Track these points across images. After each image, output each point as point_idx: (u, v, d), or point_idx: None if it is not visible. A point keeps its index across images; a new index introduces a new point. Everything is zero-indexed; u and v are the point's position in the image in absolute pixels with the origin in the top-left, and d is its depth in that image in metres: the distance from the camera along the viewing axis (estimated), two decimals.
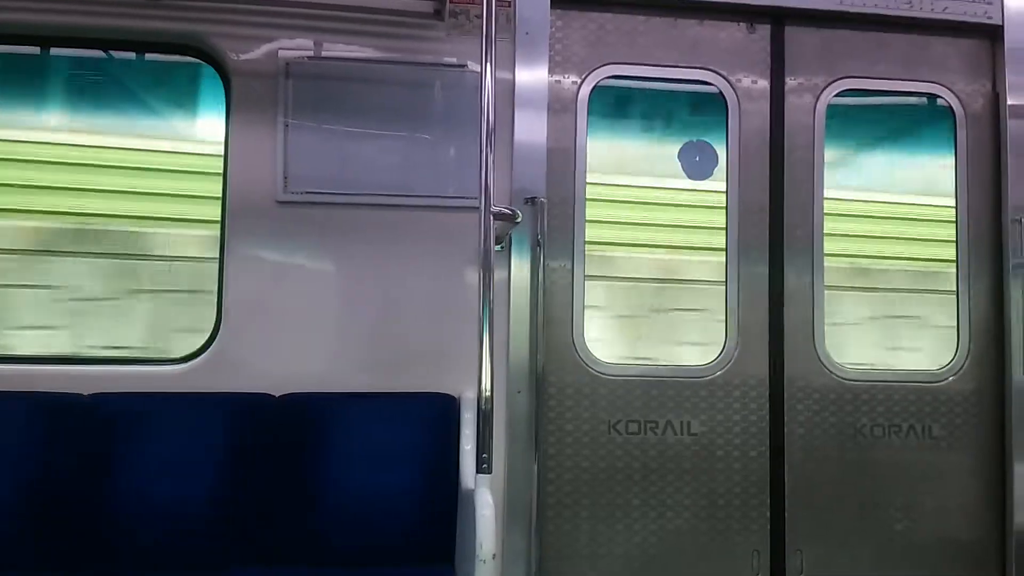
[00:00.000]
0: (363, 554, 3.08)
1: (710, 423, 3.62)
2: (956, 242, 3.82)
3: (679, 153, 3.79)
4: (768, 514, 3.61)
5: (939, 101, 3.90)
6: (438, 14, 3.53)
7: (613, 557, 3.53)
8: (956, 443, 3.72)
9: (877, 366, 3.82)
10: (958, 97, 3.88)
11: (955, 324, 3.79)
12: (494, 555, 2.69)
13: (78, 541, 3.04)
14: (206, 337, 3.41)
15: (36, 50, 3.64)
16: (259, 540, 3.11)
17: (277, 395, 3.29)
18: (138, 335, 3.76)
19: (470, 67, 3.52)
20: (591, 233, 3.66)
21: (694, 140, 3.80)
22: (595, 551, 3.52)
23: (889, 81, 3.88)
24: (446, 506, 3.16)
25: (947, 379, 3.75)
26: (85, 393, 3.20)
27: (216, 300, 3.41)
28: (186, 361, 3.37)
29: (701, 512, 3.58)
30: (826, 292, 3.73)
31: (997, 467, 3.72)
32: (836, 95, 3.83)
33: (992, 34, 3.87)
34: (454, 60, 3.55)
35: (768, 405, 3.66)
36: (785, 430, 3.65)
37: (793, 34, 3.82)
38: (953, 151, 3.87)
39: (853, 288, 4.12)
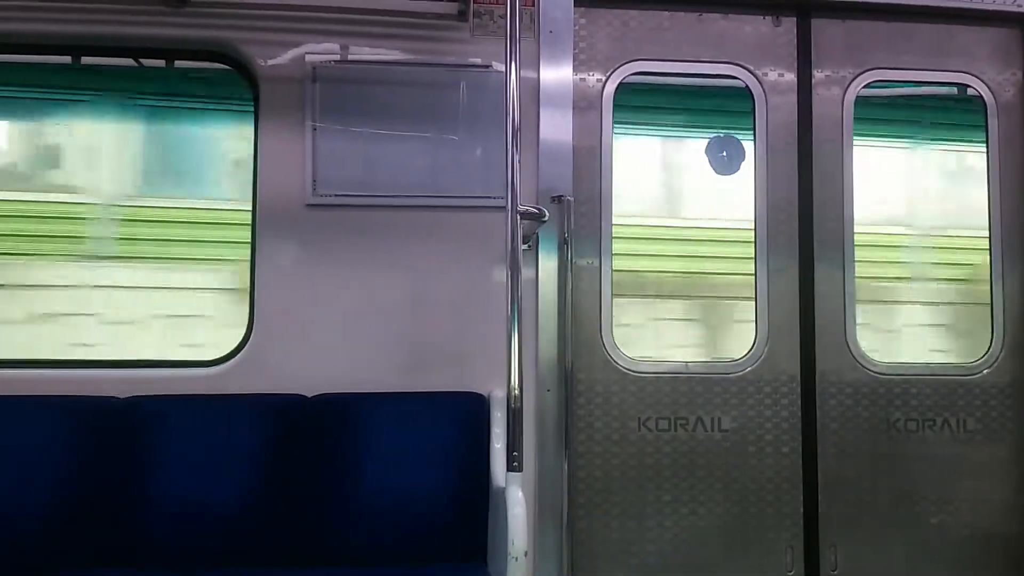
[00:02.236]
0: (396, 553, 3.11)
1: (741, 419, 3.60)
2: (989, 234, 3.77)
3: (706, 148, 3.78)
4: (801, 509, 3.59)
5: (969, 91, 3.85)
6: (462, 15, 3.54)
7: (645, 554, 3.53)
8: (991, 436, 3.68)
9: (910, 360, 3.78)
10: (988, 86, 3.83)
11: (989, 316, 3.74)
12: (526, 552, 2.70)
13: (115, 542, 3.09)
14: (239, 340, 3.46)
15: (67, 59, 3.70)
16: (293, 539, 3.14)
17: (309, 396, 3.32)
18: None
19: (495, 67, 3.53)
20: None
21: (721, 135, 3.78)
22: (627, 548, 3.52)
23: (917, 72, 3.84)
24: (478, 504, 3.17)
25: (981, 372, 3.71)
26: (120, 396, 3.26)
27: (248, 303, 3.45)
28: (219, 363, 3.42)
29: (733, 508, 3.57)
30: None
31: None
32: (864, 87, 3.79)
33: (1022, 22, 3.81)
34: (479, 60, 3.56)
35: (800, 400, 3.63)
36: (818, 425, 3.62)
37: (819, 26, 3.79)
38: (985, 141, 3.82)
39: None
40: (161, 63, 3.69)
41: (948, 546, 3.63)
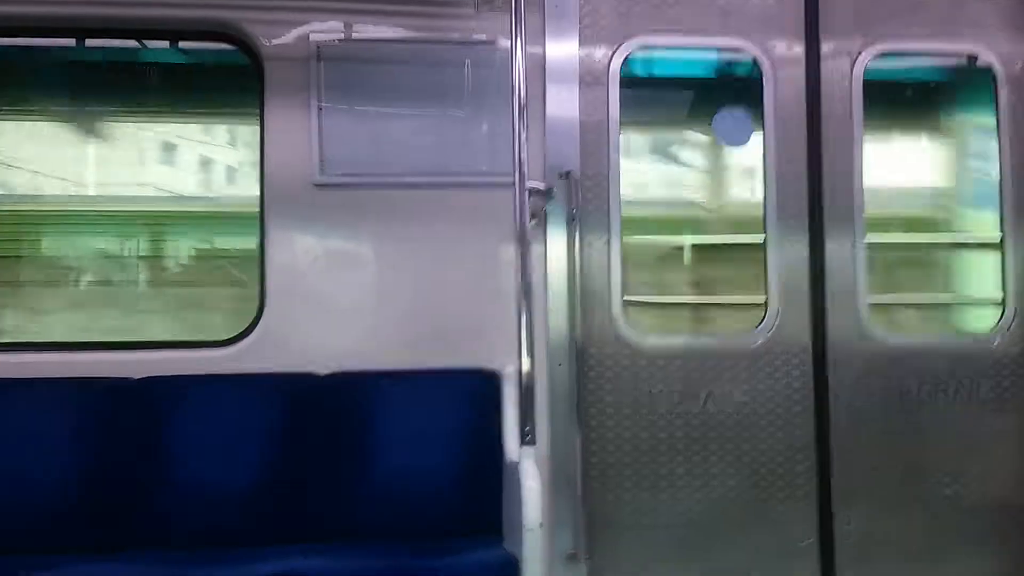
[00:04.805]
0: (412, 528, 3.12)
1: (753, 391, 3.60)
2: (1000, 202, 3.75)
3: (714, 122, 3.76)
4: (815, 480, 3.58)
5: (978, 62, 3.82)
6: None
7: (659, 526, 3.53)
8: (1005, 404, 3.66)
9: (922, 330, 3.77)
10: (998, 58, 3.80)
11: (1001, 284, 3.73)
12: (541, 524, 2.71)
13: (131, 522, 3.11)
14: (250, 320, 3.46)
15: (71, 42, 3.70)
16: (309, 517, 3.16)
17: (322, 374, 3.33)
18: None
19: (500, 43, 3.52)
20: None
21: (729, 109, 3.76)
22: (640, 521, 3.53)
23: (926, 43, 3.80)
24: (492, 479, 3.19)
25: (994, 340, 3.70)
26: (134, 377, 3.27)
27: (258, 283, 3.46)
28: (231, 343, 3.43)
29: (746, 480, 3.57)
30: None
31: None
32: (873, 58, 3.77)
33: None
34: (483, 37, 3.55)
35: (812, 371, 3.62)
36: (829, 396, 3.61)
37: None
38: (994, 113, 3.79)
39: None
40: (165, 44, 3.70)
41: (962, 515, 3.63)
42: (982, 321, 3.80)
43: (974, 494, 3.64)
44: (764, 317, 3.65)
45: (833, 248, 3.68)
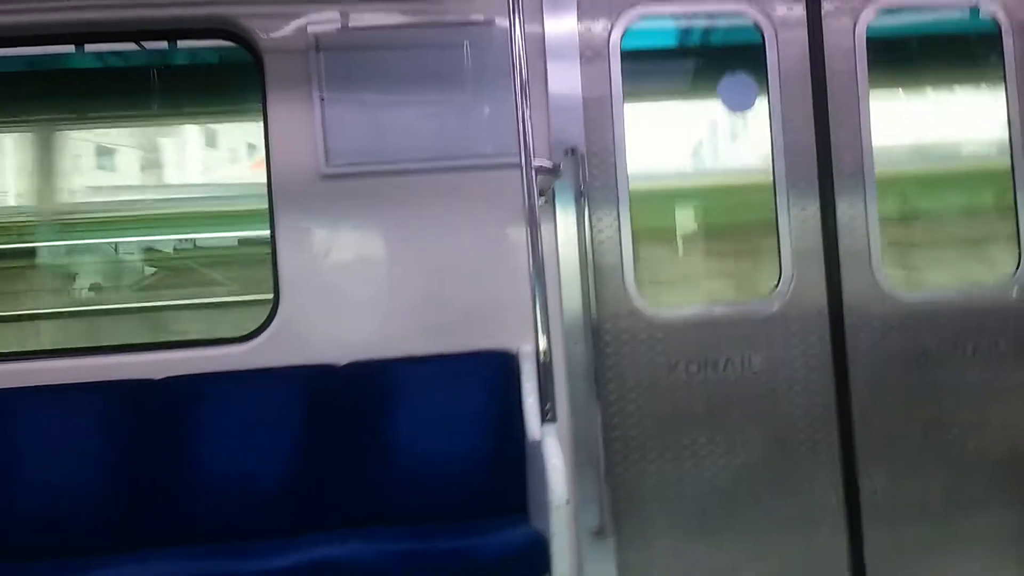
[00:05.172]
0: (438, 512, 3.15)
1: (772, 358, 3.59)
2: (1011, 151, 3.71)
3: (719, 87, 3.73)
4: (838, 443, 3.59)
5: (982, 13, 3.78)
6: None
7: (684, 497, 3.54)
8: None
9: (938, 286, 3.75)
10: (1004, 6, 3.75)
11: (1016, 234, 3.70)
12: (567, 501, 2.73)
13: (160, 520, 3.15)
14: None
15: (71, 48, 3.71)
16: (336, 506, 3.19)
17: (341, 365, 3.35)
18: None
19: (498, 22, 3.50)
20: None
21: (733, 73, 3.73)
22: (665, 492, 3.54)
23: None
24: (515, 459, 3.21)
25: (1012, 292, 3.67)
26: (155, 378, 3.30)
27: (272, 277, 3.48)
28: (249, 339, 3.45)
29: (769, 446, 3.57)
30: None
31: None
32: (875, 15, 3.72)
33: None
34: (481, 17, 3.53)
35: (829, 335, 3.61)
36: (848, 358, 3.61)
37: None
38: (1001, 61, 3.75)
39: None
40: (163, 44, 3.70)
41: (985, 469, 3.62)
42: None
43: (997, 447, 3.63)
44: (779, 282, 3.64)
45: (844, 208, 3.66)
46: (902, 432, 3.62)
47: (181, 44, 3.83)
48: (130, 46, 3.81)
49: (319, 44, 3.49)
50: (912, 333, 3.64)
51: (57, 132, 4.42)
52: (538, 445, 2.91)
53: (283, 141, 3.48)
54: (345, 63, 3.51)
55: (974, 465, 3.62)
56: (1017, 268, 3.69)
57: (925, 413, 3.63)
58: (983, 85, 3.94)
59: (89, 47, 3.77)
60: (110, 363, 3.37)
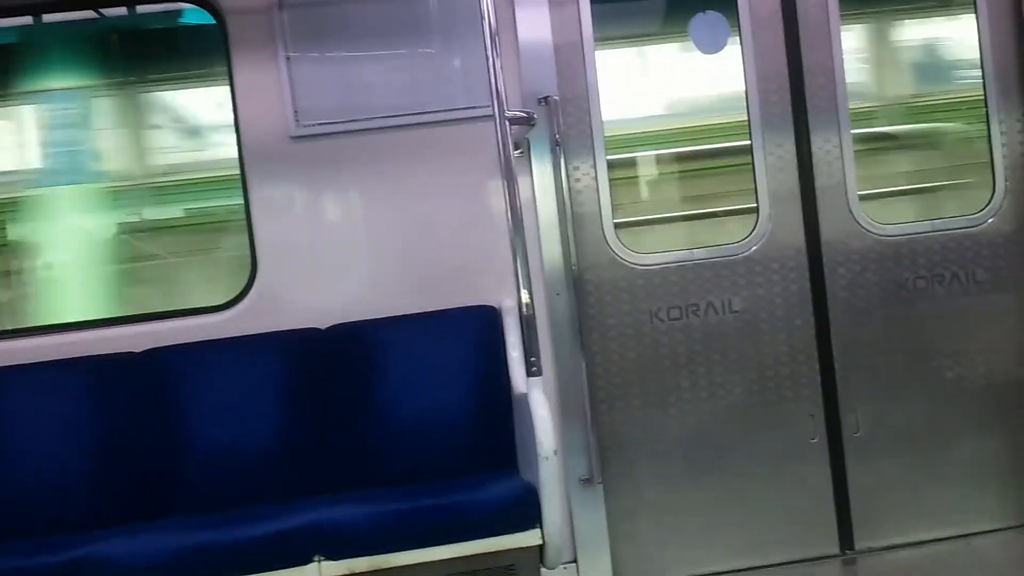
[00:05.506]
0: (428, 469, 3.18)
1: (751, 298, 3.61)
2: (983, 80, 3.70)
3: (690, 27, 3.68)
4: (819, 379, 3.63)
5: None
6: None
7: (671, 440, 3.59)
8: (1001, 284, 3.68)
9: (914, 219, 3.76)
10: None
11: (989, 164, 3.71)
12: (555, 451, 2.76)
13: (149, 492, 3.17)
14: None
15: (29, 20, 3.61)
16: (326, 468, 3.22)
17: (324, 328, 3.35)
18: None
19: None
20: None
21: (704, 12, 3.68)
22: (652, 437, 3.58)
23: None
24: (502, 413, 3.23)
25: (986, 221, 3.69)
26: (137, 351, 3.28)
27: (248, 243, 3.44)
28: (229, 307, 3.43)
29: (752, 386, 3.61)
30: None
31: None
32: None
33: None
34: None
35: (808, 272, 3.64)
36: (827, 295, 3.63)
37: None
38: None
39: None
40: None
41: (966, 397, 3.68)
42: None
43: (975, 374, 3.69)
44: (756, 223, 3.64)
45: (819, 145, 3.65)
46: (883, 364, 3.66)
47: (141, 9, 3.72)
48: (89, 14, 3.70)
49: (282, 2, 3.41)
50: (890, 267, 3.66)
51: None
52: (524, 398, 2.93)
53: (250, 104, 3.42)
54: (310, 20, 3.44)
55: (954, 394, 3.68)
56: (991, 198, 3.70)
57: (905, 345, 3.67)
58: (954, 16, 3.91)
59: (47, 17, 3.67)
60: (89, 338, 3.35)
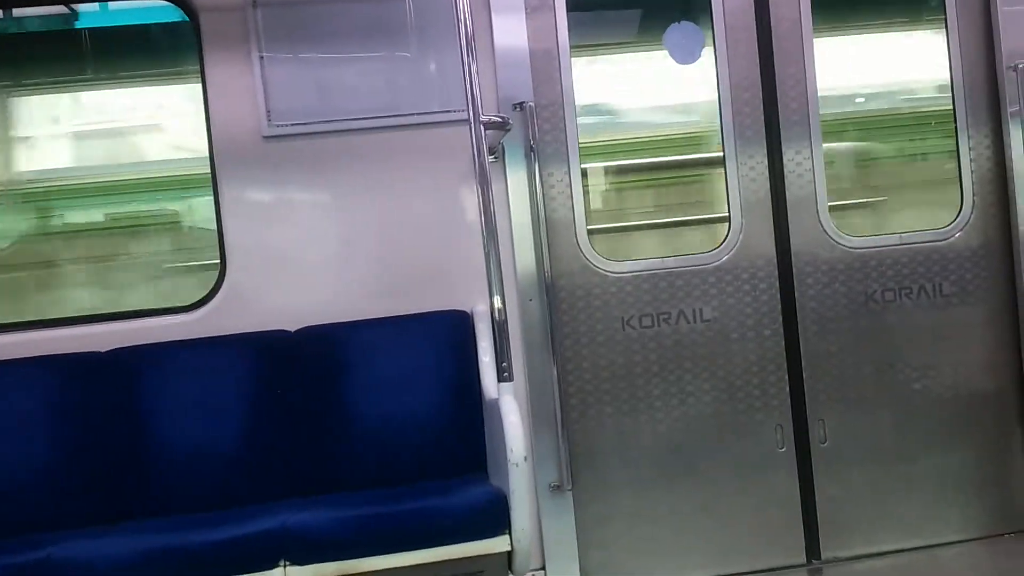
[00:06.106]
0: (398, 473, 3.16)
1: (722, 307, 3.63)
2: (952, 94, 3.75)
3: (664, 37, 3.70)
4: (787, 388, 3.65)
5: None
6: None
7: (641, 448, 3.59)
8: (968, 298, 3.73)
9: (882, 232, 3.80)
10: None
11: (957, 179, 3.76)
12: (525, 458, 2.75)
13: (114, 494, 3.12)
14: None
15: None
16: (295, 472, 3.18)
17: (293, 330, 3.31)
18: None
19: None
20: None
21: (678, 22, 3.70)
22: (623, 444, 3.59)
23: None
24: (473, 418, 3.22)
25: (954, 235, 3.74)
26: (101, 350, 3.23)
27: (217, 243, 3.40)
28: (197, 308, 3.39)
29: (722, 395, 3.63)
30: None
31: (1011, 317, 3.74)
32: None
33: None
34: None
35: (778, 283, 3.66)
36: (797, 305, 3.66)
37: None
38: (942, 2, 3.76)
39: None
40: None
41: (932, 409, 3.72)
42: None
43: (942, 386, 3.73)
44: (728, 232, 3.66)
45: (791, 156, 3.68)
46: (850, 375, 3.69)
47: (113, 5, 3.68)
48: (60, 9, 3.65)
49: (257, 0, 3.38)
50: (859, 278, 3.70)
51: None
52: (495, 404, 2.92)
53: (222, 103, 3.39)
54: (284, 20, 3.41)
55: (920, 405, 3.72)
56: (959, 212, 3.75)
57: (872, 356, 3.71)
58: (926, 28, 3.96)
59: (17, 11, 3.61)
60: (54, 336, 3.29)
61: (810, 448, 3.66)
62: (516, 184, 3.49)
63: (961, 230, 3.75)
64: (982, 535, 3.73)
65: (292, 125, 3.41)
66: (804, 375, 3.66)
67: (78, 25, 3.88)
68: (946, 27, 3.75)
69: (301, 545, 2.71)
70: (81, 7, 3.73)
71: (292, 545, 2.71)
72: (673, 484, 3.60)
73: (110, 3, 3.67)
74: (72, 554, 2.67)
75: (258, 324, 3.31)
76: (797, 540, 3.66)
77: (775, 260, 3.67)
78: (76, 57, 4.00)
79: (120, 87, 4.24)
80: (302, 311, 3.34)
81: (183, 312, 3.39)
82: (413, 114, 3.45)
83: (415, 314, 3.35)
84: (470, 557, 2.74)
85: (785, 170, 3.68)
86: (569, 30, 3.58)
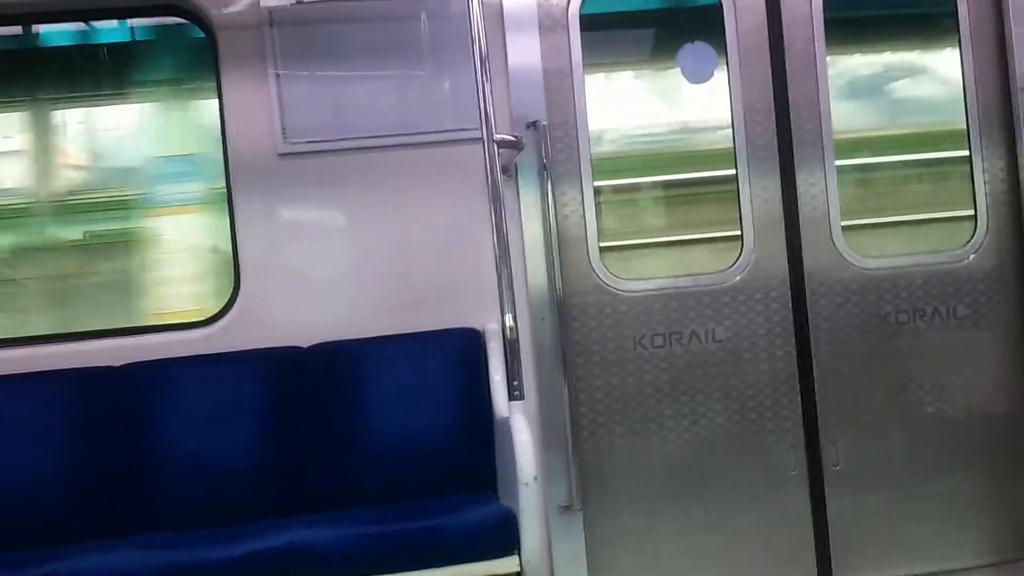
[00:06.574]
0: (407, 491, 3.14)
1: (734, 328, 3.62)
2: (966, 116, 3.74)
3: (678, 57, 3.71)
4: (800, 410, 3.64)
5: None
6: None
7: (652, 469, 3.58)
8: (982, 321, 3.71)
9: (896, 253, 3.79)
10: None
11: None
12: (536, 477, 2.74)
13: (126, 509, 3.12)
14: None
15: (18, 29, 3.59)
16: (305, 489, 3.18)
17: (306, 346, 3.32)
18: None
19: None
20: None
21: (692, 42, 3.71)
22: (633, 464, 3.57)
23: None
24: (483, 436, 3.21)
25: (968, 258, 3.73)
26: (116, 365, 3.25)
27: (232, 259, 3.42)
28: (211, 323, 3.41)
29: (734, 416, 3.61)
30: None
31: None
32: None
33: None
34: None
35: (791, 303, 3.65)
36: (810, 326, 3.65)
37: None
38: (955, 23, 3.76)
39: None
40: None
41: (945, 432, 3.69)
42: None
43: (955, 409, 3.70)
44: (741, 252, 3.66)
45: (804, 176, 3.68)
46: (863, 397, 3.67)
47: (132, 22, 3.72)
48: (79, 25, 3.69)
49: (273, 19, 3.42)
50: (872, 300, 3.68)
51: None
52: (506, 422, 2.92)
53: (239, 120, 3.42)
54: (300, 38, 3.44)
55: (934, 428, 3.69)
56: (973, 234, 3.74)
57: (885, 376, 3.69)
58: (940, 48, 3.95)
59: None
60: (68, 351, 3.31)
61: (823, 470, 3.64)
62: (529, 203, 3.50)
63: (975, 252, 3.73)
64: (997, 560, 3.70)
65: (307, 143, 3.43)
66: (817, 397, 3.64)
67: (94, 41, 3.92)
68: (959, 47, 3.74)
69: (310, 562, 2.70)
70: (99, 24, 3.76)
71: (301, 562, 2.70)
72: (684, 506, 3.58)
73: (128, 20, 3.69)
74: (79, 568, 2.67)
75: (271, 340, 3.32)
76: (809, 564, 3.63)
77: (788, 280, 3.66)
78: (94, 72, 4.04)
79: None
80: (315, 327, 3.35)
81: (197, 327, 3.41)
82: (427, 132, 3.46)
83: (427, 331, 3.35)
84: None
85: (798, 189, 3.67)
86: (582, 50, 3.59)
